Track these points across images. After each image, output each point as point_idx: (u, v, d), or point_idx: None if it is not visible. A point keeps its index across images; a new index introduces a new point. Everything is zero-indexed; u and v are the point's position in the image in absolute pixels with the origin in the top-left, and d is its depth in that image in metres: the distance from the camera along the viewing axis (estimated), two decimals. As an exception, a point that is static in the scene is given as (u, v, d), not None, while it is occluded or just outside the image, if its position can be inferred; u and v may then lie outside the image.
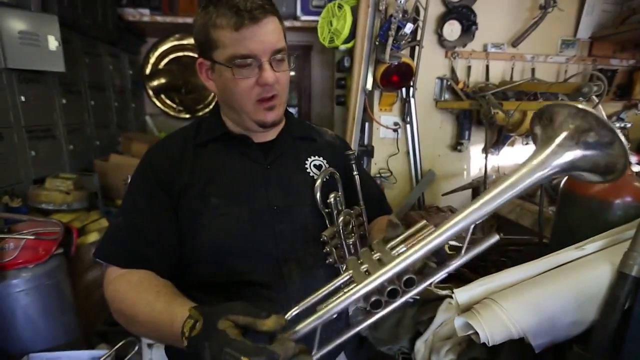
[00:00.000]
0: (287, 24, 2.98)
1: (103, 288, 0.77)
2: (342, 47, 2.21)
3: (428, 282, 0.57)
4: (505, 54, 2.23)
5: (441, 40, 2.16)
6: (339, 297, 0.55)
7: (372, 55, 2.10)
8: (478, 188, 2.00)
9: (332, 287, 0.59)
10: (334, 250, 0.80)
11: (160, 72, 3.64)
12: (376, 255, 0.59)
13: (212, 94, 3.65)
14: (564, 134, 0.54)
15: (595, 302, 0.66)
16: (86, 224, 2.01)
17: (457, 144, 2.33)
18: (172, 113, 3.79)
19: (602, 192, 0.88)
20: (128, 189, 0.85)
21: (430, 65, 2.18)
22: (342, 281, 0.59)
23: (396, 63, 2.01)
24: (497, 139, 2.27)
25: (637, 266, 0.63)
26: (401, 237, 0.62)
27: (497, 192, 0.55)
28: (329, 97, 3.59)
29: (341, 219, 0.78)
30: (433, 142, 2.34)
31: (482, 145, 2.30)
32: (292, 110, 3.83)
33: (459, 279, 1.18)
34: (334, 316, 0.55)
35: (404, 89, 2.19)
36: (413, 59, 2.10)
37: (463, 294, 0.72)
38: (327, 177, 0.84)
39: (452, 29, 2.14)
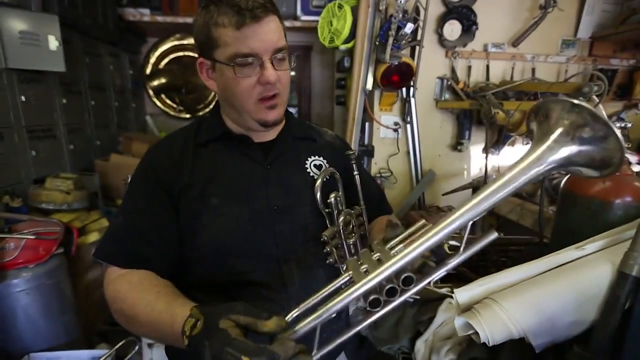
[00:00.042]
0: (287, 24, 2.98)
1: (103, 288, 0.77)
2: (342, 47, 2.21)
3: (427, 281, 0.57)
4: (505, 54, 2.23)
5: (441, 40, 2.16)
6: (338, 296, 0.55)
7: (372, 55, 2.10)
8: (478, 188, 2.00)
9: (333, 288, 0.59)
10: (335, 250, 0.80)
11: (160, 72, 3.64)
12: (376, 256, 0.59)
13: (213, 94, 3.66)
14: (559, 130, 0.54)
15: (596, 302, 0.66)
16: (86, 223, 2.01)
17: (458, 144, 2.33)
18: (172, 113, 3.80)
19: (602, 192, 0.88)
20: (128, 188, 0.85)
21: (431, 65, 2.19)
22: (342, 282, 0.59)
23: (396, 63, 2.01)
24: (498, 139, 2.27)
25: (637, 266, 0.63)
26: (400, 237, 0.62)
27: (493, 189, 0.55)
28: (329, 97, 3.59)
29: (341, 218, 0.78)
30: (433, 142, 2.34)
31: (482, 145, 2.30)
32: (292, 110, 3.83)
33: (459, 278, 1.18)
34: (333, 315, 0.55)
35: (404, 89, 2.20)
36: (413, 58, 2.10)
37: (463, 294, 0.72)
38: (327, 177, 0.84)
39: (453, 29, 2.14)
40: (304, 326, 0.54)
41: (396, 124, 2.28)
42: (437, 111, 2.31)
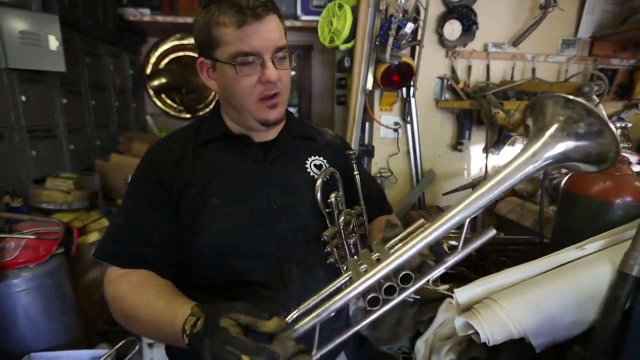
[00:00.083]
0: (288, 23, 2.97)
1: (103, 288, 0.77)
2: (343, 47, 2.21)
3: (425, 279, 0.57)
4: (505, 54, 2.23)
5: (442, 40, 2.16)
6: (337, 294, 0.55)
7: (373, 55, 2.10)
8: (478, 188, 2.00)
9: (333, 289, 0.59)
10: (335, 250, 0.79)
11: (160, 72, 3.64)
12: (375, 256, 0.59)
13: (213, 94, 3.66)
14: (555, 126, 0.54)
15: (596, 302, 0.66)
16: (87, 223, 2.01)
17: (458, 144, 2.33)
18: (172, 113, 3.80)
19: (602, 192, 0.88)
20: (128, 188, 0.85)
21: (431, 64, 2.18)
22: (342, 282, 0.59)
23: (396, 63, 2.01)
24: (498, 139, 2.26)
25: (637, 266, 0.63)
26: (400, 237, 0.62)
27: (490, 186, 0.55)
28: (330, 97, 3.59)
29: (342, 218, 0.78)
30: (433, 141, 2.34)
31: (482, 145, 2.29)
32: (293, 110, 3.83)
33: (459, 278, 1.18)
34: (333, 314, 0.55)
35: (404, 89, 2.19)
36: (413, 58, 2.10)
37: (463, 294, 0.72)
38: (328, 177, 0.84)
39: (453, 29, 2.14)
40: (303, 325, 0.54)
41: (396, 123, 2.28)
42: (437, 111, 2.30)
